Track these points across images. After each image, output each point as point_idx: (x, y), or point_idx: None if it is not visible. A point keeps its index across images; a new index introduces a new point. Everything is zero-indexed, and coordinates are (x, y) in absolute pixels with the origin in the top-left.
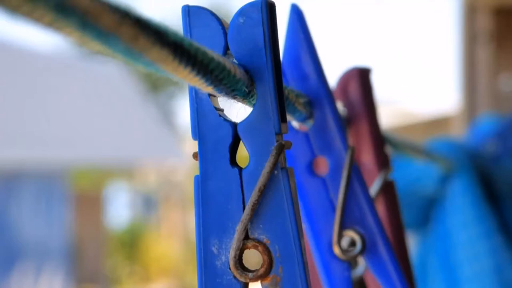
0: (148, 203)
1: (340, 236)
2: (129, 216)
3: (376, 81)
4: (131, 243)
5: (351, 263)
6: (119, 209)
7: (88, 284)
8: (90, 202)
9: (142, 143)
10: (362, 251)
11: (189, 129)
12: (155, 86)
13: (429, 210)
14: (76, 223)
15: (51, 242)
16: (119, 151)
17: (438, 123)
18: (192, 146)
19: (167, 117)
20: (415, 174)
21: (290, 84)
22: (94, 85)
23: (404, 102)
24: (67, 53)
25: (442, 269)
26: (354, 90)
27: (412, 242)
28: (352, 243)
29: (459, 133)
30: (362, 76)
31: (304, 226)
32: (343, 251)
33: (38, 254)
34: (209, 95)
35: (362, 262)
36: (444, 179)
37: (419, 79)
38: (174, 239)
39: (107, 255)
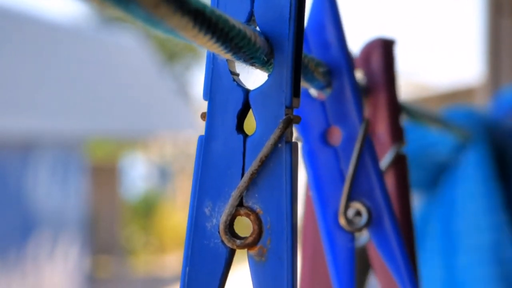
0: (164, 174)
1: (347, 207)
2: (144, 187)
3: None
4: (146, 214)
5: (355, 235)
6: (135, 180)
7: (104, 255)
8: (106, 173)
9: (158, 114)
10: (368, 224)
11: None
12: (171, 57)
13: (438, 175)
14: (92, 194)
15: (67, 213)
16: (135, 122)
17: (459, 95)
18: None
19: (183, 88)
20: (430, 139)
21: (312, 51)
22: (110, 56)
23: (422, 74)
24: (82, 24)
25: (442, 236)
26: (376, 60)
27: (415, 202)
28: (358, 215)
29: (482, 105)
30: (385, 47)
31: (312, 195)
32: (349, 222)
33: (54, 224)
34: (227, 59)
35: (365, 233)
36: (459, 148)
37: (438, 51)
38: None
39: (122, 226)
